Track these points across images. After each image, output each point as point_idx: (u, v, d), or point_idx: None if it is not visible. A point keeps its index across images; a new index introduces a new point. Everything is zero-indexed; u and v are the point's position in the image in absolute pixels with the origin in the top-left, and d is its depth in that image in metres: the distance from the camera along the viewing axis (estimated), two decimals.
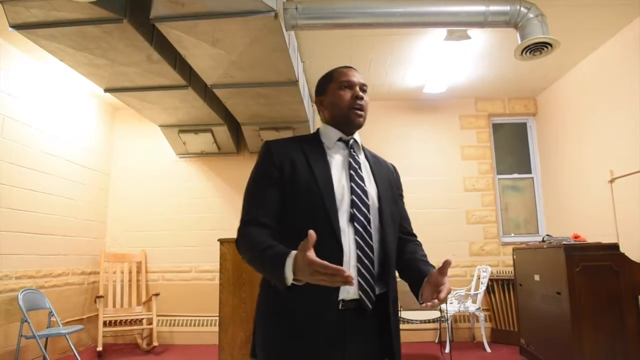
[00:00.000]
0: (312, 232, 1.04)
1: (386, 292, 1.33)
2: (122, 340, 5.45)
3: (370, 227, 1.31)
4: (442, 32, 4.07)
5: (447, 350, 4.69)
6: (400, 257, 1.46)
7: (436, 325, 5.13)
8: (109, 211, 5.84)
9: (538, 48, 3.41)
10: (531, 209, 5.85)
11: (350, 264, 1.25)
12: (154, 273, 5.66)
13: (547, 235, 4.31)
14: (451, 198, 5.70)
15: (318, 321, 1.22)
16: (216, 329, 3.12)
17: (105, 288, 5.19)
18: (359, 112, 1.40)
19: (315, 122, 5.42)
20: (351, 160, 1.38)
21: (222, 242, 3.09)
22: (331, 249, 1.23)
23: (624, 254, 3.41)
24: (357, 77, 1.44)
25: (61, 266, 4.81)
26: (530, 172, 5.92)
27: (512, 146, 6.05)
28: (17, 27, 2.99)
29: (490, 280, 5.21)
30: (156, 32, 3.26)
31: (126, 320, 5.15)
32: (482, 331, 4.92)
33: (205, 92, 4.44)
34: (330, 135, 1.43)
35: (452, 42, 4.21)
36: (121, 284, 5.35)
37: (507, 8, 3.37)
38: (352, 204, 1.30)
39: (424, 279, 1.30)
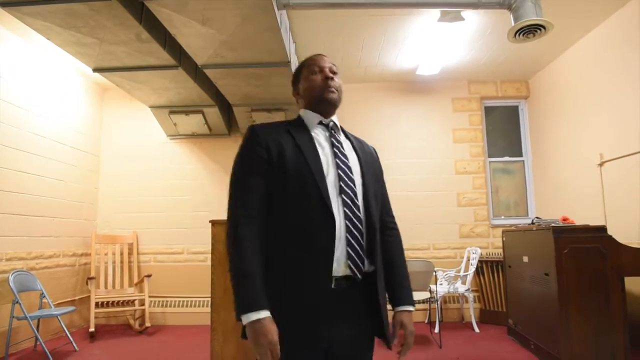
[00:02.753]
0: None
1: (374, 269, 1.36)
2: (115, 321, 5.48)
3: (357, 200, 1.35)
4: (436, 13, 4.02)
5: (436, 330, 4.78)
6: (382, 244, 1.47)
7: (426, 305, 5.20)
8: (100, 193, 5.81)
9: (531, 30, 3.40)
10: (521, 191, 5.91)
11: (341, 235, 1.28)
12: (146, 254, 5.67)
13: (537, 217, 4.36)
14: (442, 180, 5.73)
15: (307, 297, 1.24)
16: (208, 309, 3.14)
17: (96, 269, 5.19)
18: (331, 89, 1.45)
19: None
20: (333, 140, 1.44)
21: (213, 223, 3.08)
22: (323, 219, 1.27)
23: (611, 236, 3.45)
24: (326, 62, 1.50)
25: (52, 248, 4.80)
26: (521, 155, 5.96)
27: (503, 129, 6.06)
28: (2, 4, 2.92)
29: (480, 261, 5.28)
30: (145, 10, 3.20)
31: (118, 301, 5.16)
32: (471, 312, 5.01)
33: (196, 73, 4.38)
34: (311, 119, 1.48)
35: (446, 23, 4.17)
36: (113, 266, 5.36)
37: None
38: (340, 178, 1.34)
39: (396, 306, 1.45)
